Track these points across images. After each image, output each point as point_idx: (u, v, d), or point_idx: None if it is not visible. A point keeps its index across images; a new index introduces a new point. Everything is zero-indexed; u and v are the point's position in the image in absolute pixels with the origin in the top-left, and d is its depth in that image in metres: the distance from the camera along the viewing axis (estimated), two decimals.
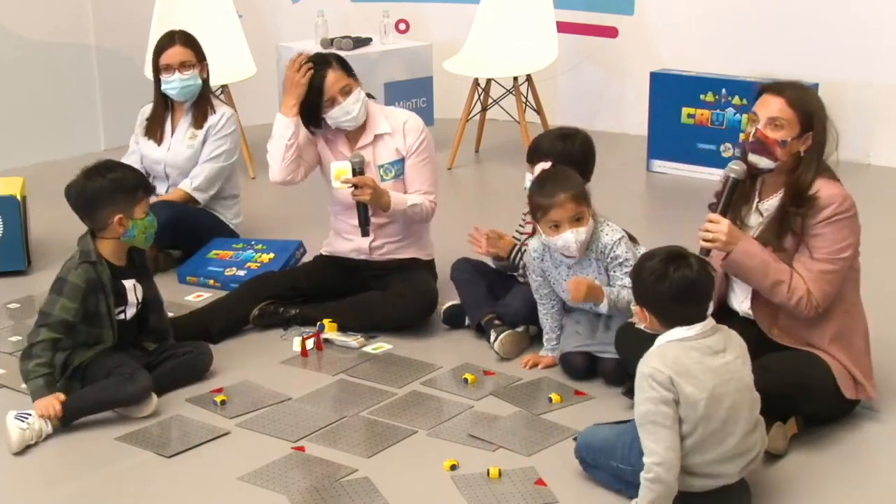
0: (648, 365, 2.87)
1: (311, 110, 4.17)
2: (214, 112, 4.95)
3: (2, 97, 6.51)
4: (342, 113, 4.14)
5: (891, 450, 3.40)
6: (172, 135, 4.96)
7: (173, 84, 4.84)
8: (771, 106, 3.30)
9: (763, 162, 3.31)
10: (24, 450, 3.42)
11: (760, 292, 3.36)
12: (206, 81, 4.96)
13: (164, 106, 4.97)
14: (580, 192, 3.62)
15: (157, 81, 4.91)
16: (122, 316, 3.69)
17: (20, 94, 6.58)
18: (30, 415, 3.46)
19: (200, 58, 4.92)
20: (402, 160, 4.25)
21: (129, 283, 3.70)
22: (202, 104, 4.94)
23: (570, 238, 3.61)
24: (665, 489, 2.85)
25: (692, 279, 2.89)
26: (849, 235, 3.30)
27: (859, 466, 3.29)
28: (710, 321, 2.94)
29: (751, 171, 3.34)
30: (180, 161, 4.92)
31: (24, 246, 4.86)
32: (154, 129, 4.98)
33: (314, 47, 6.52)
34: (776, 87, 3.33)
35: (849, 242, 3.30)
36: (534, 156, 3.95)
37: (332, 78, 4.15)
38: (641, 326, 3.03)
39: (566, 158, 3.86)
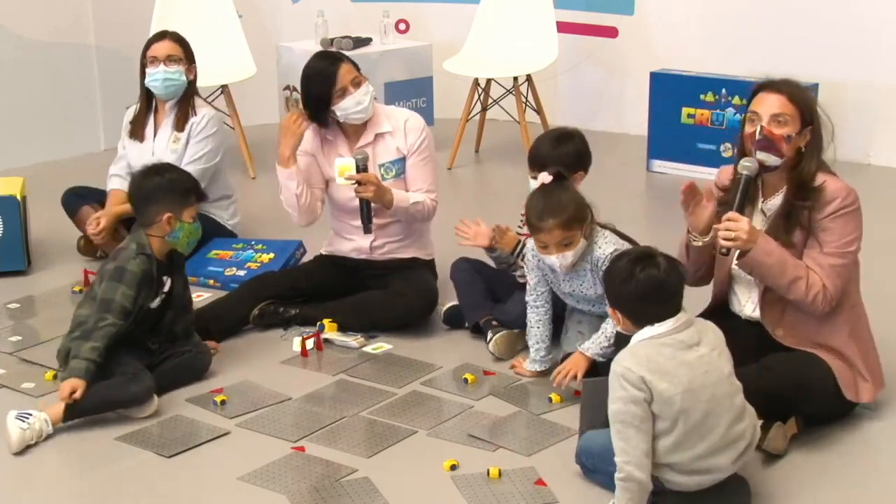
0: (620, 364, 2.89)
1: (321, 102, 4.16)
2: (195, 114, 4.89)
3: (2, 97, 6.51)
4: (353, 103, 4.14)
5: (891, 450, 3.40)
6: (155, 137, 4.91)
7: (157, 76, 4.79)
8: (772, 103, 3.31)
9: (770, 159, 3.31)
10: (24, 450, 3.42)
11: (776, 290, 3.34)
12: (192, 83, 4.91)
13: (147, 105, 4.92)
14: (572, 216, 3.56)
15: (143, 77, 4.86)
16: (145, 307, 3.73)
17: (20, 94, 6.58)
18: (30, 415, 3.46)
19: (189, 58, 4.87)
20: (403, 159, 4.25)
21: (164, 279, 3.77)
22: (185, 105, 4.88)
23: (555, 262, 3.63)
24: (638, 487, 2.86)
25: (659, 279, 2.92)
26: (855, 228, 3.32)
27: (859, 466, 3.29)
28: (681, 316, 2.95)
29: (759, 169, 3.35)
30: None
31: (24, 246, 4.85)
32: (137, 129, 4.93)
33: (314, 47, 6.53)
34: (774, 85, 3.35)
35: (855, 235, 3.32)
36: (535, 162, 3.96)
37: (345, 69, 4.16)
38: (618, 328, 3.07)
39: (565, 162, 3.87)
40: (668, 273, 2.93)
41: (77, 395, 3.47)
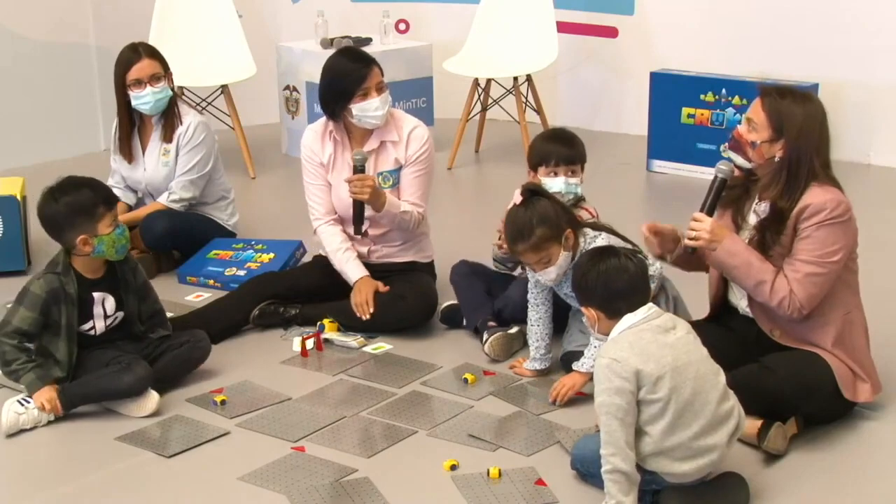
0: (605, 356, 2.93)
1: (342, 97, 4.15)
2: (181, 122, 4.82)
3: (2, 97, 6.51)
4: (371, 107, 4.13)
5: (891, 450, 3.40)
6: (144, 153, 4.86)
7: (146, 99, 4.71)
8: (752, 106, 3.36)
9: (739, 160, 3.36)
10: (17, 433, 3.48)
11: (746, 291, 3.38)
12: (174, 91, 4.87)
13: (130, 123, 4.85)
14: (541, 237, 3.54)
15: (124, 97, 4.76)
16: (91, 332, 3.67)
17: (20, 94, 6.59)
18: (32, 400, 3.54)
19: (166, 68, 4.80)
20: (402, 169, 4.25)
21: (98, 296, 3.66)
22: (170, 115, 4.81)
23: (540, 278, 3.66)
24: (624, 478, 2.88)
25: (621, 265, 3.02)
26: (839, 239, 3.29)
27: (859, 466, 3.29)
28: (652, 305, 3.02)
29: (737, 169, 3.37)
30: (159, 180, 4.84)
31: (24, 246, 4.85)
32: (123, 149, 4.86)
33: (314, 47, 6.53)
34: (763, 90, 3.37)
35: (839, 246, 3.29)
36: (538, 161, 4.00)
37: (375, 72, 4.16)
38: (594, 329, 3.10)
39: (583, 158, 3.99)
40: (628, 258, 3.04)
41: (55, 406, 3.53)
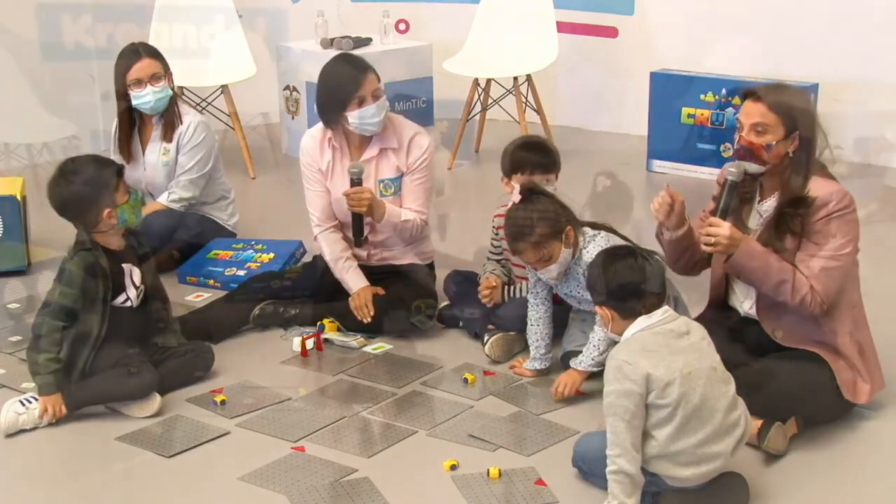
0: (616, 357, 2.93)
1: (338, 105, 4.14)
2: (181, 121, 4.82)
3: (1, 97, 6.50)
4: (368, 114, 4.11)
5: (891, 450, 3.40)
6: (144, 153, 4.86)
7: (146, 98, 4.71)
8: (752, 112, 3.33)
9: (752, 167, 3.34)
10: (17, 433, 3.49)
11: (765, 292, 3.36)
12: (174, 91, 4.87)
13: (130, 122, 4.85)
14: (542, 234, 3.57)
15: (125, 97, 4.76)
16: (128, 304, 3.69)
17: (20, 94, 6.58)
18: (34, 400, 3.53)
19: (166, 68, 4.80)
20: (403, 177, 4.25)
21: (126, 267, 3.69)
22: (170, 115, 4.81)
23: (541, 276, 3.67)
24: (629, 479, 2.89)
25: (634, 265, 3.01)
26: (849, 231, 3.30)
27: (859, 466, 3.29)
28: (668, 308, 3.02)
29: (745, 175, 3.36)
30: (159, 179, 4.84)
31: (24, 246, 4.85)
32: (123, 148, 4.86)
33: (314, 47, 6.53)
34: (757, 93, 3.36)
35: (849, 238, 3.31)
36: (513, 168, 4.01)
37: (370, 79, 4.15)
38: (607, 329, 3.10)
39: (544, 169, 3.99)
40: (645, 258, 3.04)
41: (57, 412, 3.52)
